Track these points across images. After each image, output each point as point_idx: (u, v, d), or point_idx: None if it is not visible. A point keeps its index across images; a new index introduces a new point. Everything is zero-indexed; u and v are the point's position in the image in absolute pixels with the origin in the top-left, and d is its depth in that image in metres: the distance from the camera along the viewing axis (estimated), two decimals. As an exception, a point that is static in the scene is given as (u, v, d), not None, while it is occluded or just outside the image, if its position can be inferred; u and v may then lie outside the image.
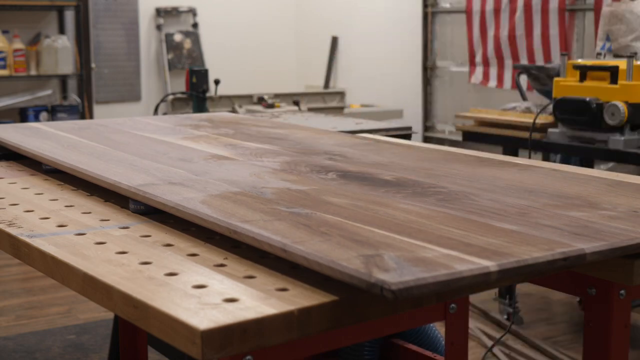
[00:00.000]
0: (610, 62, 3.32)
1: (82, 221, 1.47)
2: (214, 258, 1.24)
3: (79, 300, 3.85)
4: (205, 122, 2.67)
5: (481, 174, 1.74)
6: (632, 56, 3.11)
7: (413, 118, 6.61)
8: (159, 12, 6.87)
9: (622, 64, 3.12)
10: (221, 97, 6.17)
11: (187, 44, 6.97)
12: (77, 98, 6.34)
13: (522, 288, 3.91)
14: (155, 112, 4.62)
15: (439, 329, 2.40)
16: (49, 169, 1.92)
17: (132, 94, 6.78)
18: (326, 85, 7.19)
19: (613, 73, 3.10)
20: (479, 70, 5.96)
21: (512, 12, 5.57)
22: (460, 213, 1.36)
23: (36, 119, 6.10)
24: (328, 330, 1.06)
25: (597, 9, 4.88)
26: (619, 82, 3.09)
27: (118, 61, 6.70)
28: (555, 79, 3.39)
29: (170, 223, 1.45)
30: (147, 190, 1.51)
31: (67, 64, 6.16)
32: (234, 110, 5.95)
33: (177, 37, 6.95)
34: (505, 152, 3.69)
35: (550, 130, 3.42)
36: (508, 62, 5.67)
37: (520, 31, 5.52)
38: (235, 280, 1.14)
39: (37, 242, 1.33)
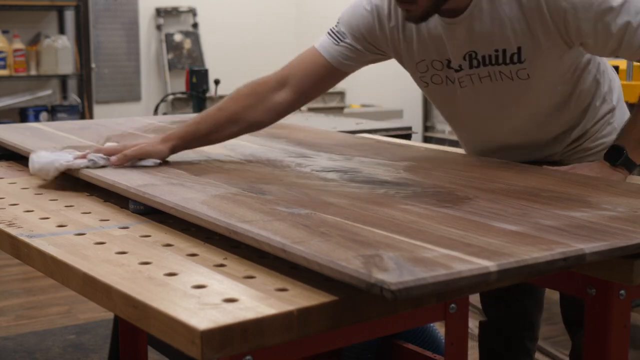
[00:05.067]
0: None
1: (82, 221, 1.47)
2: (214, 258, 1.24)
3: (79, 300, 3.84)
4: (205, 122, 2.66)
5: (481, 174, 1.74)
6: (632, 56, 3.11)
7: (413, 118, 6.60)
8: (159, 12, 6.87)
9: (622, 64, 3.12)
10: (221, 97, 6.16)
11: (187, 44, 6.97)
12: (77, 98, 6.34)
13: (522, 288, 3.90)
14: (155, 112, 4.62)
15: (439, 329, 2.40)
16: (49, 169, 1.92)
17: (132, 94, 6.77)
18: (326, 85, 7.17)
19: (613, 73, 3.10)
20: (479, 70, 5.95)
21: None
22: (460, 213, 1.36)
23: (36, 119, 6.10)
24: (328, 330, 1.06)
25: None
26: (619, 82, 3.09)
27: (118, 61, 6.69)
28: (555, 79, 3.39)
29: (170, 223, 1.45)
30: (147, 191, 1.51)
31: (67, 64, 6.15)
32: (234, 110, 5.95)
33: (177, 37, 6.95)
34: (505, 152, 3.67)
35: (550, 130, 3.41)
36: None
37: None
38: (235, 280, 1.14)
39: (37, 242, 1.33)
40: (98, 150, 1.77)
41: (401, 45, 1.89)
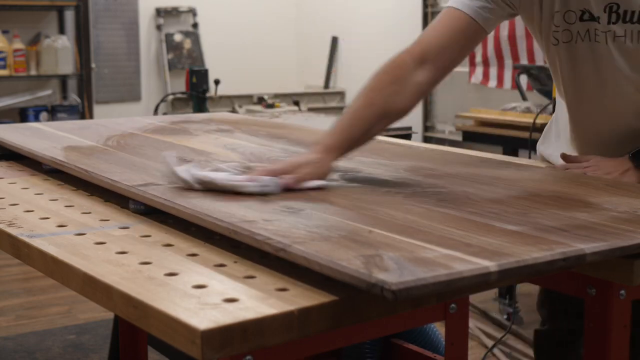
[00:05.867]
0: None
1: (82, 221, 1.47)
2: (214, 258, 1.24)
3: (79, 300, 3.84)
4: (205, 122, 2.67)
5: (481, 174, 1.74)
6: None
7: (413, 118, 6.59)
8: (159, 12, 6.87)
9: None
10: (221, 97, 6.16)
11: (187, 44, 6.97)
12: (77, 98, 6.34)
13: (522, 288, 3.91)
14: (155, 112, 4.62)
15: (439, 329, 2.40)
16: (49, 169, 1.92)
17: (132, 94, 6.78)
18: (326, 85, 7.18)
19: (613, 73, 3.10)
20: (479, 70, 5.96)
21: (512, 12, 5.57)
22: (460, 213, 1.36)
23: (36, 119, 6.10)
24: (328, 330, 1.06)
25: (597, 9, 4.88)
26: (619, 82, 3.08)
27: (118, 61, 6.69)
28: (556, 79, 3.38)
29: (170, 223, 1.45)
30: (147, 190, 1.51)
31: (67, 64, 6.16)
32: (234, 110, 5.96)
33: (177, 37, 6.95)
34: (505, 152, 3.68)
35: (550, 130, 3.41)
36: (508, 62, 5.67)
37: (520, 31, 5.51)
38: (236, 280, 1.14)
39: (37, 242, 1.32)
40: (260, 173, 1.52)
41: None
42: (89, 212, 1.54)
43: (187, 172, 1.51)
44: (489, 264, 1.07)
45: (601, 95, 1.79)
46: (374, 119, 1.65)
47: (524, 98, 4.33)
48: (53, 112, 6.23)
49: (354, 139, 1.64)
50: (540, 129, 3.49)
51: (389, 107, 1.66)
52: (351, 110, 1.67)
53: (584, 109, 1.84)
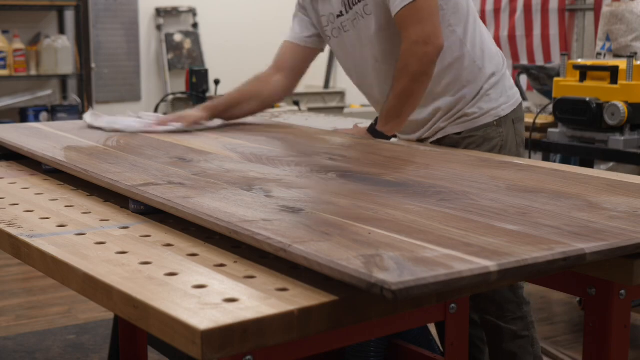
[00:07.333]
0: (610, 62, 3.32)
1: (82, 221, 1.47)
2: (214, 258, 1.24)
3: (79, 300, 3.84)
4: (205, 122, 2.66)
5: (481, 174, 1.74)
6: (632, 56, 3.11)
7: (413, 118, 6.58)
8: (159, 12, 6.87)
9: (622, 64, 3.11)
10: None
11: (187, 44, 6.96)
12: (77, 98, 6.34)
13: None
14: (155, 112, 4.62)
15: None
16: (49, 169, 1.92)
17: (132, 94, 6.77)
18: (326, 85, 7.17)
19: (613, 73, 3.10)
20: (479, 70, 5.95)
21: (512, 12, 5.57)
22: (460, 213, 1.36)
23: (36, 119, 6.10)
24: (328, 330, 1.06)
25: (597, 9, 4.88)
26: (619, 82, 3.08)
27: (118, 61, 6.69)
28: (555, 79, 3.39)
29: (170, 223, 1.45)
30: (147, 190, 1.52)
31: (67, 64, 6.15)
32: (234, 110, 5.93)
33: (177, 37, 6.94)
34: (505, 152, 3.66)
35: (550, 130, 3.42)
36: (508, 62, 5.66)
37: (520, 31, 5.51)
38: (235, 280, 1.14)
39: (37, 242, 1.33)
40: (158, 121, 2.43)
41: (312, 3, 2.30)
42: (89, 212, 1.54)
43: (100, 119, 2.46)
44: (489, 264, 1.07)
45: (366, 69, 2.26)
46: (242, 99, 2.50)
47: (524, 98, 4.32)
48: (53, 112, 6.22)
49: (224, 106, 2.49)
50: (540, 129, 3.50)
51: (255, 94, 2.49)
52: (232, 91, 2.52)
53: (364, 83, 2.31)
